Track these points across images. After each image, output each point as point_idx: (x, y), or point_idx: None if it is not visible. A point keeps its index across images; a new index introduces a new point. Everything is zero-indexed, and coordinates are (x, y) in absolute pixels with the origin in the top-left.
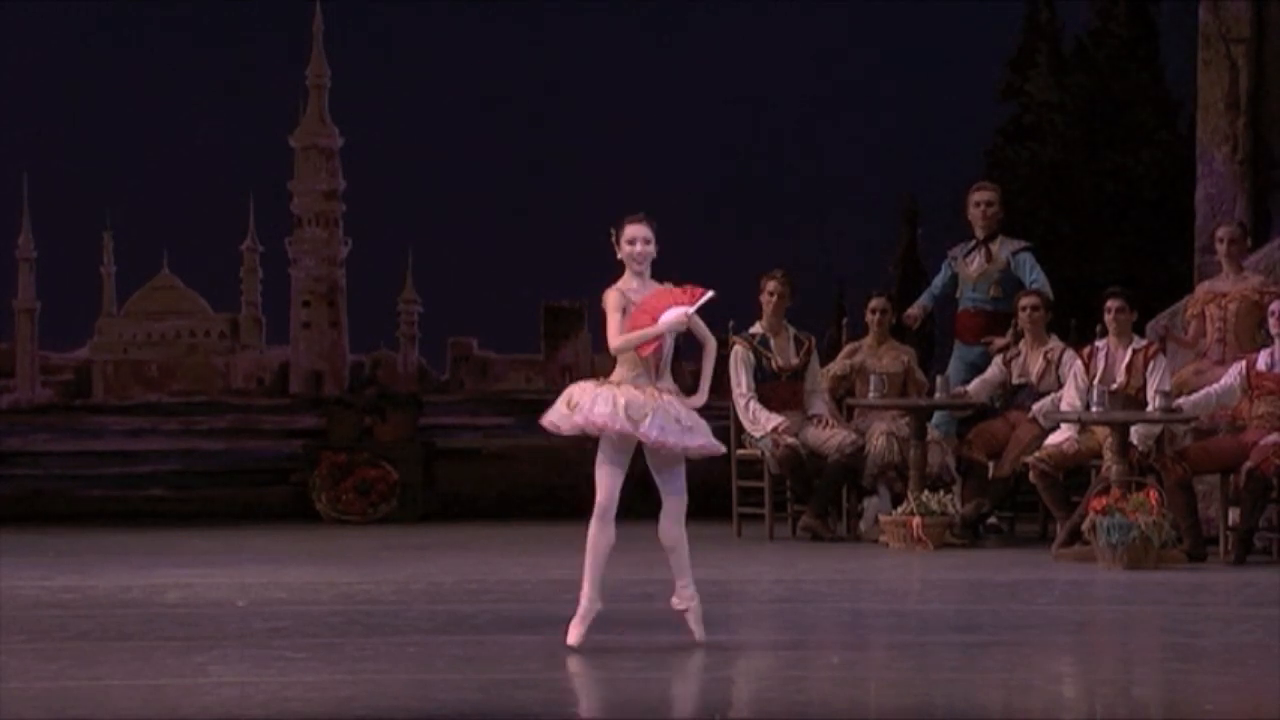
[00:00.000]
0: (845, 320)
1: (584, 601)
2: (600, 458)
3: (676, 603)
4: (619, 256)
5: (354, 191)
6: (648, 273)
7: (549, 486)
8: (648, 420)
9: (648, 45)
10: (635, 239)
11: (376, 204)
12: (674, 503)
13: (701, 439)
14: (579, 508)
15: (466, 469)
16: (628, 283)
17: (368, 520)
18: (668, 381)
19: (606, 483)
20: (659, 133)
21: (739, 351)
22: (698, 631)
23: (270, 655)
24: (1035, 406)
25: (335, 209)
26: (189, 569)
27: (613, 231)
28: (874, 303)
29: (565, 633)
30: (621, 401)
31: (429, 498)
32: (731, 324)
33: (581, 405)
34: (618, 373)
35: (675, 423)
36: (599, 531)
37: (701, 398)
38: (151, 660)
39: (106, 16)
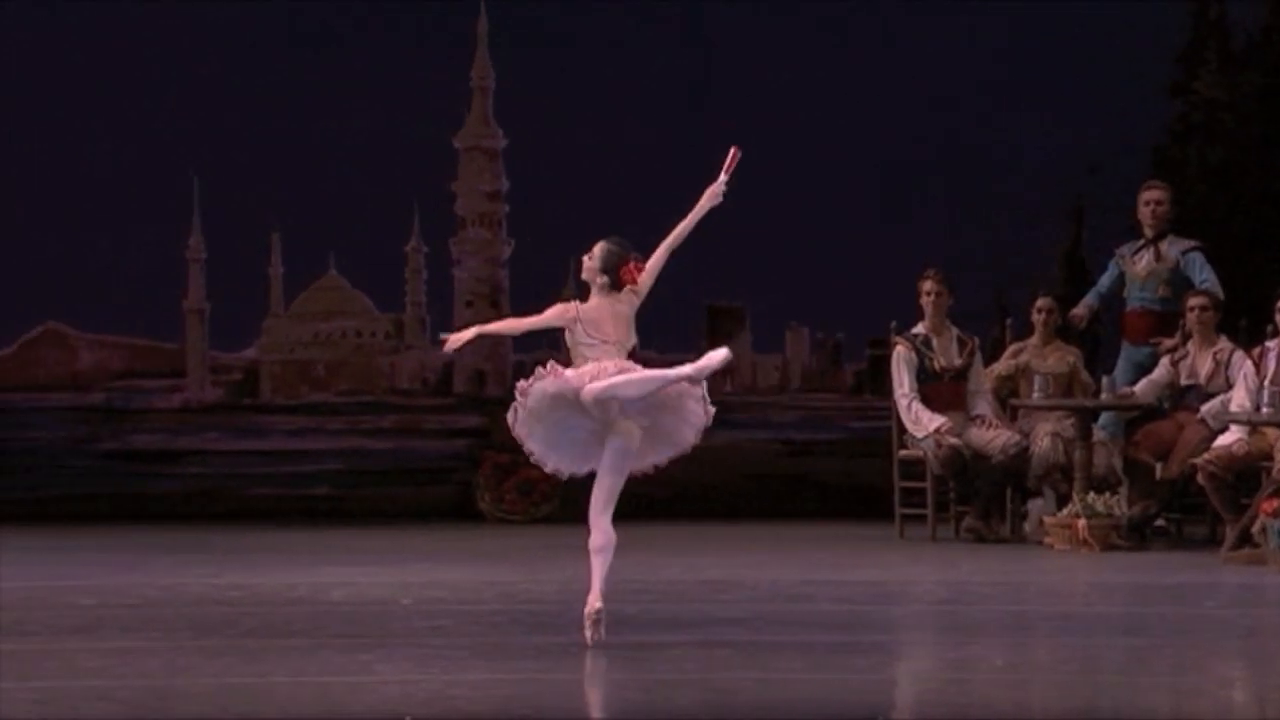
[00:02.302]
0: (1009, 320)
1: None
2: None
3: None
4: None
5: (517, 192)
6: (600, 293)
7: (711, 485)
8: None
9: (824, 43)
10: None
11: (539, 204)
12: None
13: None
14: (736, 508)
15: None
16: (589, 298)
17: (530, 520)
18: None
19: None
20: (826, 134)
21: (901, 352)
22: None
23: (433, 654)
24: (1204, 408)
25: (498, 209)
26: (354, 567)
27: None
28: (1040, 302)
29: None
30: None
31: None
32: (894, 324)
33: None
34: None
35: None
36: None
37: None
38: (317, 658)
39: (274, 20)
